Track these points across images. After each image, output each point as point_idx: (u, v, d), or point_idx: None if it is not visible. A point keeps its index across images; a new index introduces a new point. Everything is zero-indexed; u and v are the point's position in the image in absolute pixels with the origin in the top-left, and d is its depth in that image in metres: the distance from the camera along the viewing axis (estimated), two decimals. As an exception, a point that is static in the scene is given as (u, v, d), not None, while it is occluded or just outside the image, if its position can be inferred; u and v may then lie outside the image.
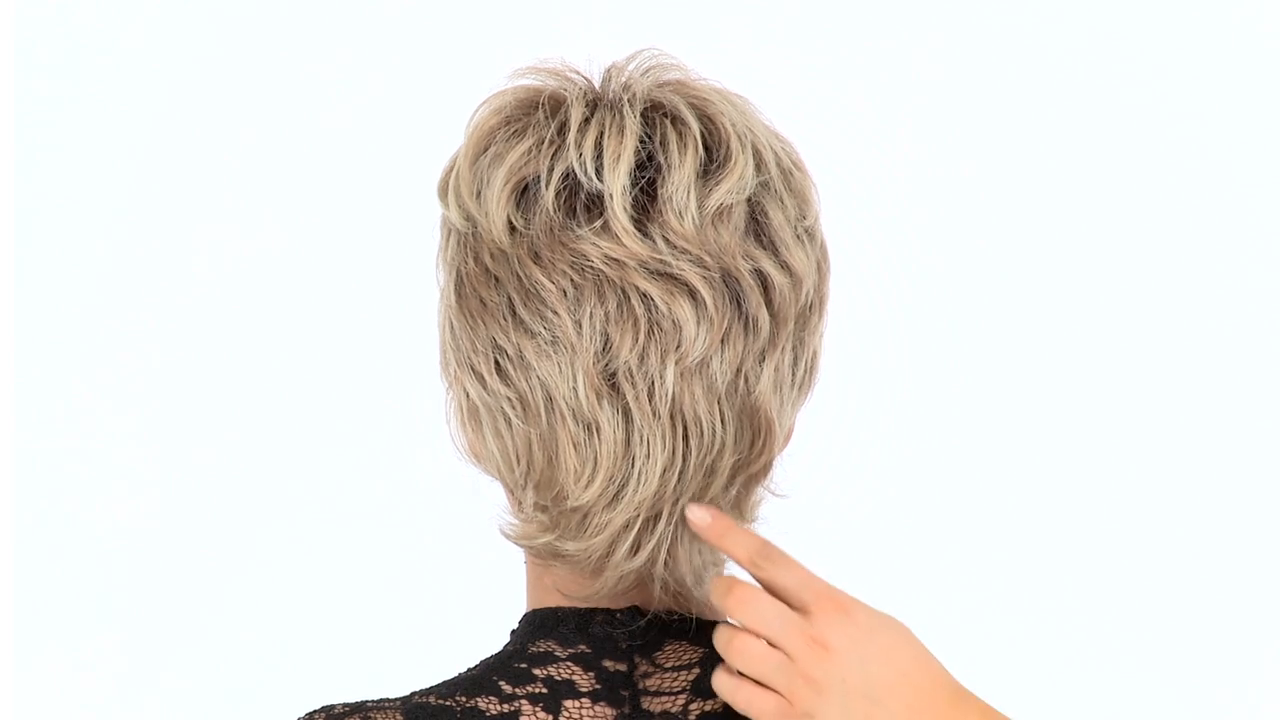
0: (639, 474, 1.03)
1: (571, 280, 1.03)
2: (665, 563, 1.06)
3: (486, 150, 1.06)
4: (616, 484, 1.04)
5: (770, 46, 2.48)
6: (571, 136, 1.05)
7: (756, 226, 1.05)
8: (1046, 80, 2.49)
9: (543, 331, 1.04)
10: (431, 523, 2.29)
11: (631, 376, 1.03)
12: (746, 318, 1.04)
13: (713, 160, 1.05)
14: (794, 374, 1.07)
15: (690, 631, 1.10)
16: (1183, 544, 2.47)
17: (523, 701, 1.09)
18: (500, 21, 2.44)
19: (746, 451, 1.06)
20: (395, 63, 2.46)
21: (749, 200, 1.05)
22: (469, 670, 1.12)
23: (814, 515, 2.50)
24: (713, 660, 1.09)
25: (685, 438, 1.03)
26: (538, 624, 1.11)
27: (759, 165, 1.06)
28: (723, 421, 1.04)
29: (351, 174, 2.42)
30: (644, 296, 1.03)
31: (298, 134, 2.49)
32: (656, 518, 1.05)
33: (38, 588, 2.45)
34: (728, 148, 1.05)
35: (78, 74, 2.48)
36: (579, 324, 1.03)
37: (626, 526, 1.04)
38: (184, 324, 2.48)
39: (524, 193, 1.05)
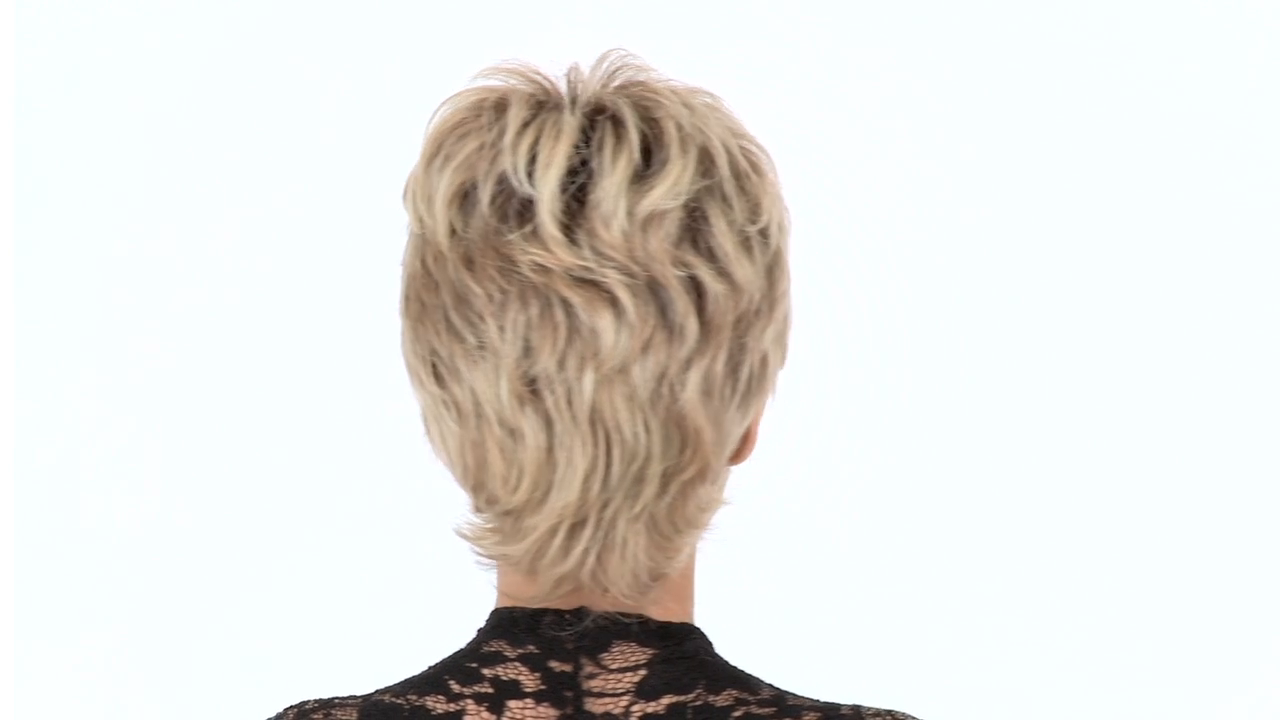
0: (560, 480, 1.03)
1: (500, 286, 1.04)
2: (594, 570, 1.06)
3: (438, 153, 1.07)
4: (541, 489, 1.04)
5: (769, 46, 2.48)
6: (508, 140, 1.05)
7: (694, 232, 1.04)
8: (1046, 80, 2.49)
9: (470, 338, 1.04)
10: (432, 523, 2.29)
11: (551, 383, 1.03)
12: (671, 325, 1.03)
13: (650, 164, 1.05)
14: (734, 380, 1.05)
15: (640, 634, 1.10)
16: (1183, 544, 2.47)
17: (469, 701, 1.10)
18: (500, 22, 2.44)
19: (676, 459, 1.04)
20: (395, 63, 2.46)
21: (689, 205, 1.04)
22: (429, 668, 1.13)
23: (814, 515, 2.50)
24: (661, 663, 1.09)
25: (607, 445, 1.03)
26: (494, 624, 1.12)
27: (707, 168, 1.05)
28: (646, 429, 1.03)
29: (352, 174, 2.42)
30: (565, 304, 1.03)
31: (301, 135, 2.49)
32: (583, 523, 1.04)
33: (38, 588, 2.45)
34: (668, 151, 1.04)
35: (78, 73, 2.48)
36: (502, 330, 1.03)
37: (552, 531, 1.05)
38: (184, 324, 2.48)
39: (465, 197, 1.06)
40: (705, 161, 1.05)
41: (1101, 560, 2.47)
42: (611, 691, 1.09)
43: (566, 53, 1.12)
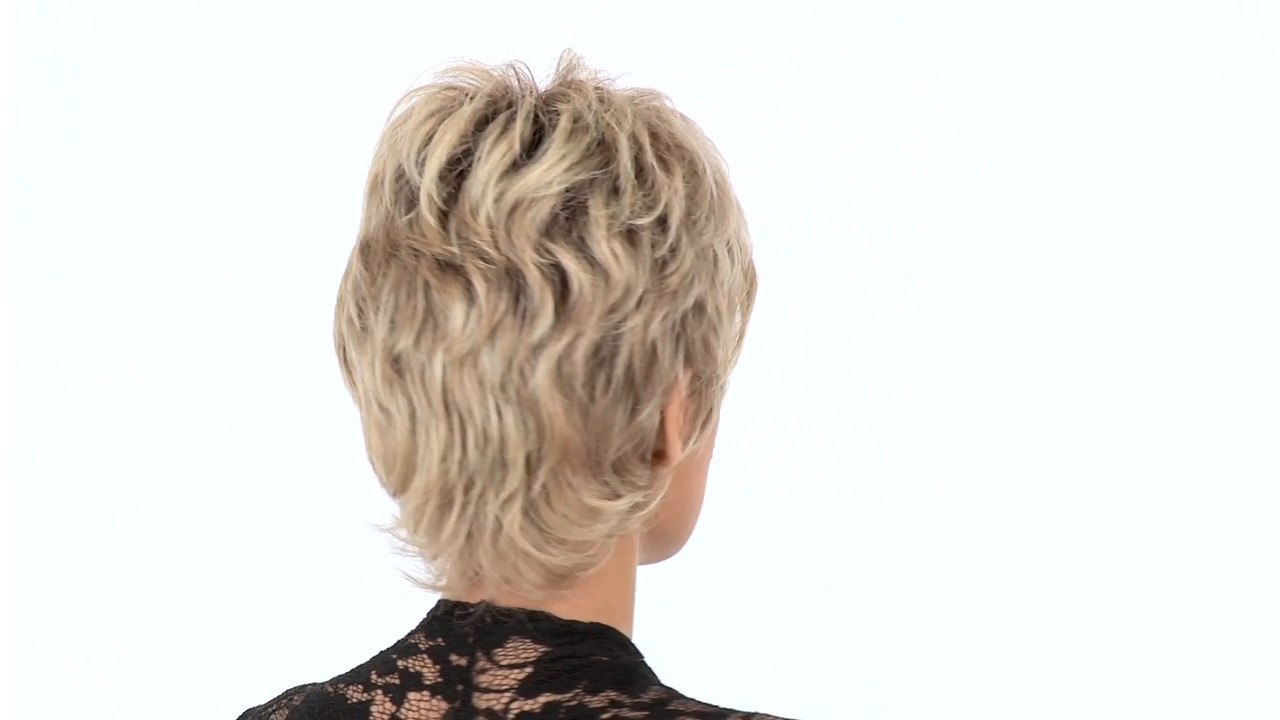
0: (421, 460, 1.05)
1: (383, 271, 1.07)
2: (463, 551, 1.07)
3: (378, 147, 1.12)
4: (409, 469, 1.06)
5: (767, 46, 2.49)
6: (407, 128, 1.08)
7: (569, 221, 1.04)
8: (1045, 80, 2.49)
9: (358, 322, 1.08)
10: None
11: (410, 365, 1.05)
12: (522, 312, 1.04)
13: (533, 155, 1.06)
14: (606, 370, 1.05)
15: (535, 631, 1.10)
16: (1183, 544, 2.47)
17: (378, 692, 1.12)
18: (499, 23, 2.45)
19: (536, 445, 1.05)
20: (395, 63, 2.47)
21: (567, 195, 1.05)
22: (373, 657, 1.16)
23: (814, 515, 2.51)
24: (549, 661, 1.09)
25: (461, 427, 1.04)
26: (425, 616, 1.14)
27: (602, 159, 1.06)
28: (499, 413, 1.04)
29: (353, 174, 2.42)
30: (426, 287, 1.05)
31: (302, 135, 2.49)
32: (450, 504, 1.06)
33: (38, 587, 2.45)
34: (551, 142, 1.06)
35: (78, 74, 2.48)
36: (376, 312, 1.06)
37: (420, 510, 1.06)
38: (185, 324, 2.48)
39: (376, 188, 1.10)
40: (599, 153, 1.06)
41: (1101, 560, 2.47)
42: (497, 687, 1.09)
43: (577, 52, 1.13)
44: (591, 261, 1.04)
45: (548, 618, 1.10)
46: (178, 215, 2.49)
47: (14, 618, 2.44)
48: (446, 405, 1.04)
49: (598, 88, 1.08)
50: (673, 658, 2.56)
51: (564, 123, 1.06)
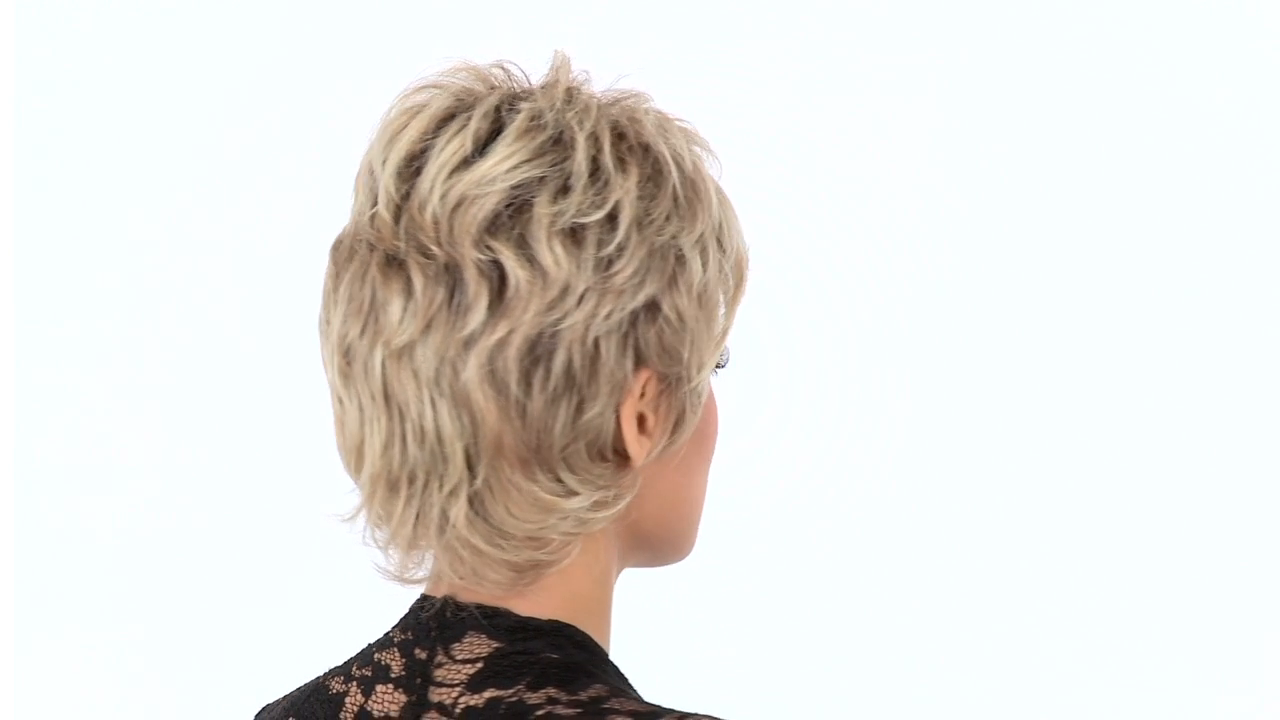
0: (367, 450, 1.07)
1: (345, 266, 1.08)
2: (411, 543, 1.09)
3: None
4: (359, 458, 1.09)
5: (767, 45, 2.49)
6: (378, 129, 1.10)
7: (513, 218, 1.05)
8: (1044, 80, 2.49)
9: (322, 313, 1.10)
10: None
11: (357, 358, 1.07)
12: (456, 307, 1.05)
13: (482, 151, 1.06)
14: (543, 368, 1.05)
15: (490, 627, 1.10)
16: (1183, 544, 2.47)
17: (354, 684, 1.14)
18: (498, 23, 2.44)
19: (474, 440, 1.05)
20: (395, 64, 2.46)
21: (514, 191, 1.05)
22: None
23: (813, 516, 2.50)
24: (500, 657, 1.09)
25: (401, 419, 1.06)
26: (407, 610, 1.16)
27: (559, 156, 1.06)
28: (433, 407, 1.05)
29: (354, 174, 2.42)
30: (374, 282, 1.06)
31: (303, 135, 2.49)
32: (395, 493, 1.07)
33: (38, 587, 2.45)
34: (502, 140, 1.06)
35: (78, 73, 2.48)
36: (334, 306, 1.09)
37: (370, 497, 1.09)
38: (186, 324, 2.48)
39: (358, 187, 1.12)
40: (552, 151, 1.06)
41: (1101, 561, 2.47)
42: (450, 682, 1.10)
43: (585, 53, 1.13)
44: (530, 259, 1.04)
45: (505, 614, 1.10)
46: (178, 215, 2.49)
47: (14, 618, 2.44)
48: (387, 398, 1.06)
49: (570, 88, 1.09)
50: (672, 657, 2.57)
51: (519, 121, 1.06)
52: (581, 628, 1.11)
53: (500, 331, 1.04)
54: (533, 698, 1.07)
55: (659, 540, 1.15)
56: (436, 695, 1.10)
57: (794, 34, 2.49)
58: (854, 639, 2.47)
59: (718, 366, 1.12)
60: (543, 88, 1.09)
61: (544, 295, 1.04)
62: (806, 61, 2.48)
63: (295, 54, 2.49)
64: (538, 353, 1.04)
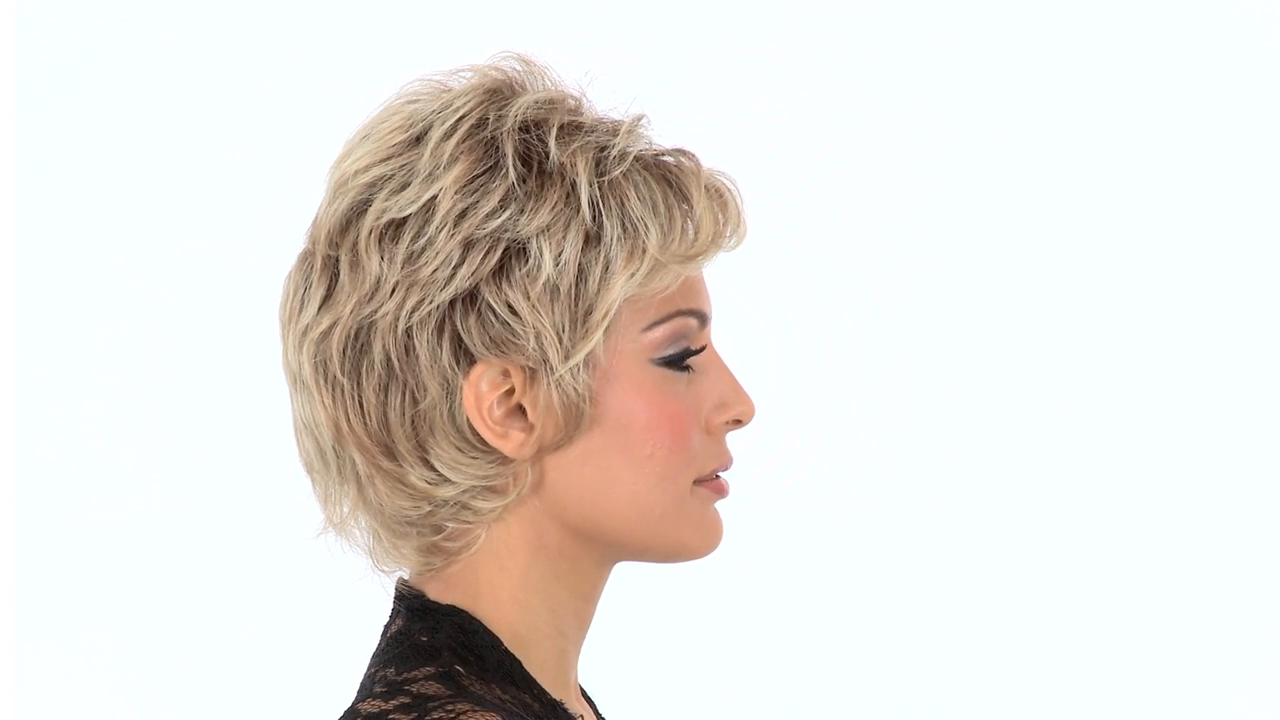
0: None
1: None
2: (338, 523, 1.14)
3: None
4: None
5: (766, 45, 2.48)
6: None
7: (358, 215, 1.08)
8: (1045, 80, 2.49)
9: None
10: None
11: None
12: (301, 300, 1.10)
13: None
14: (365, 358, 1.07)
15: (402, 609, 1.13)
16: (1183, 544, 2.47)
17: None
18: (500, 24, 2.44)
19: (331, 429, 1.11)
20: (396, 64, 2.46)
21: (370, 188, 1.08)
22: None
23: (813, 515, 2.50)
24: (394, 636, 1.12)
25: (296, 411, 1.13)
26: None
27: (413, 156, 1.07)
28: (300, 391, 1.12)
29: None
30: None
31: (303, 135, 2.49)
32: (327, 465, 1.12)
33: (38, 587, 2.45)
34: (369, 141, 1.10)
35: (78, 73, 2.48)
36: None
37: (310, 476, 1.14)
38: (185, 325, 2.48)
39: None
40: (408, 149, 1.08)
41: (1101, 561, 2.47)
42: (373, 659, 1.13)
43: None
44: (354, 253, 1.07)
45: (418, 596, 1.12)
46: (179, 216, 2.49)
47: (14, 617, 2.44)
48: (293, 379, 1.13)
49: (492, 89, 1.09)
50: (672, 657, 2.57)
51: (395, 120, 1.09)
52: (486, 616, 1.10)
53: (325, 323, 1.08)
54: (376, 675, 1.09)
55: (615, 537, 1.11)
56: (365, 672, 1.13)
57: (794, 33, 2.48)
58: (854, 639, 2.46)
59: (677, 361, 1.09)
60: (481, 94, 1.09)
61: (360, 289, 1.07)
62: (807, 61, 2.48)
63: (295, 54, 2.48)
64: (359, 344, 1.07)
